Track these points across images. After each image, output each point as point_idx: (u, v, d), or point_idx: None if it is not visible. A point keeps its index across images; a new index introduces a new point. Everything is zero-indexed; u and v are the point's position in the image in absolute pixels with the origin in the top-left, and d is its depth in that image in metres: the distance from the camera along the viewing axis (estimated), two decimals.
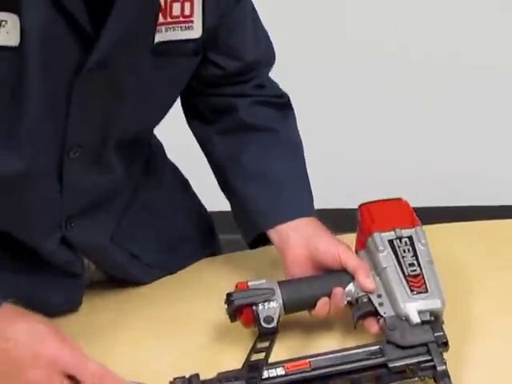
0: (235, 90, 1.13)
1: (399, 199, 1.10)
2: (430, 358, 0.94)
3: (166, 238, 1.18)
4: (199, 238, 1.24)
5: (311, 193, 1.12)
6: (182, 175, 1.26)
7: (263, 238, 1.11)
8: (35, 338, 0.87)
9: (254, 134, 1.13)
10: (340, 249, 1.04)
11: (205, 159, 1.16)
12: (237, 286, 1.02)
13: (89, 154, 1.00)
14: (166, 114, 1.08)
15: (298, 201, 1.11)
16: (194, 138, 1.17)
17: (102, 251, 1.11)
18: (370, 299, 1.00)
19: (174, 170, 1.25)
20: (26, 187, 0.97)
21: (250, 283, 1.02)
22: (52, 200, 1.01)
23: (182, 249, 1.20)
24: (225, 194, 1.16)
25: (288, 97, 1.17)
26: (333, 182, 2.19)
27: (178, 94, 1.09)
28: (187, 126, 1.17)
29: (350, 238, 1.09)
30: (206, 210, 1.28)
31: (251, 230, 1.11)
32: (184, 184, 1.26)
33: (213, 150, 1.14)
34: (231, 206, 1.15)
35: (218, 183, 1.16)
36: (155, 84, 1.01)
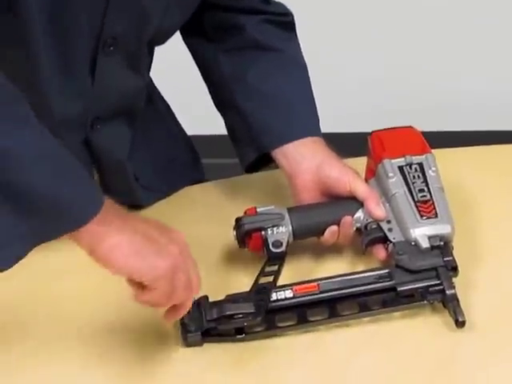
0: (244, 3, 1.12)
1: (410, 127, 1.09)
2: (439, 282, 0.94)
3: (158, 160, 1.19)
4: (187, 162, 1.25)
5: (318, 115, 1.12)
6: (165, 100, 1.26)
7: (261, 162, 1.11)
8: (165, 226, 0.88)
9: (261, 53, 1.12)
10: (350, 176, 1.03)
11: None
12: (246, 212, 1.02)
13: (123, 51, 1.00)
14: (187, 18, 1.08)
15: (306, 121, 1.10)
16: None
17: (117, 164, 1.10)
18: (378, 225, 1.00)
19: (159, 92, 1.25)
20: (61, 81, 0.97)
21: (258, 209, 1.02)
22: (81, 97, 1.00)
23: (172, 172, 1.20)
24: (225, 113, 1.14)
25: (292, 15, 1.16)
26: (337, 106, 2.17)
27: None
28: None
29: (357, 163, 1.08)
30: (185, 134, 1.29)
31: (255, 149, 1.10)
32: (169, 108, 1.26)
33: (217, 69, 1.13)
34: (231, 127, 1.14)
35: (218, 104, 1.15)
36: None
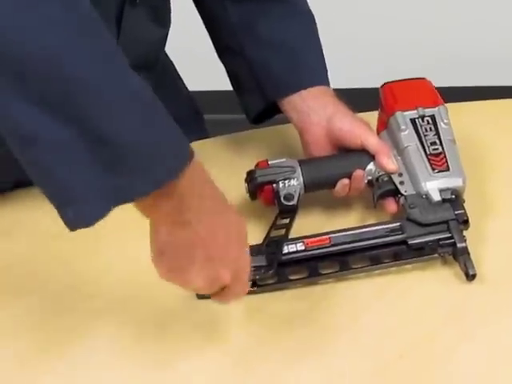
0: None
1: (422, 79, 1.09)
2: (449, 235, 0.94)
3: None
4: (190, 119, 1.24)
5: (326, 66, 1.11)
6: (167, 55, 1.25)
7: (267, 114, 1.11)
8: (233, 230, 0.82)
9: (270, 2, 1.10)
10: (362, 129, 1.03)
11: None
12: (257, 164, 1.02)
13: (148, 3, 1.00)
14: None
15: (314, 70, 1.09)
16: None
17: None
18: (390, 178, 1.00)
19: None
20: None
21: (270, 161, 1.02)
22: None
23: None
24: (231, 63, 1.13)
25: None
26: (347, 61, 2.16)
27: None
28: None
29: (369, 117, 1.07)
30: (187, 90, 1.28)
31: (262, 99, 1.10)
32: (172, 64, 1.25)
33: (224, 18, 1.11)
34: (236, 77, 1.13)
35: (222, 53, 1.14)
36: None
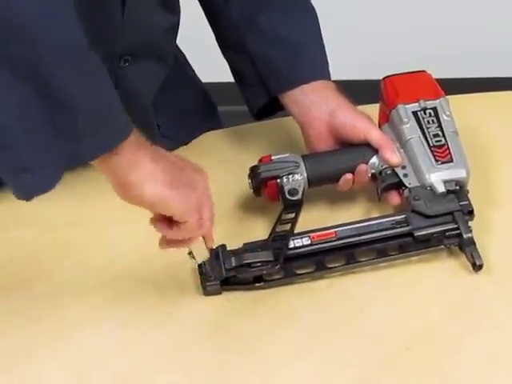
0: None
1: (423, 72, 1.09)
2: (455, 226, 0.95)
3: (176, 109, 1.18)
4: (204, 111, 1.24)
5: (327, 60, 1.11)
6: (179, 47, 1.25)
7: (271, 109, 1.11)
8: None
9: None
10: (364, 123, 1.03)
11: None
12: (260, 160, 1.02)
13: None
14: None
15: (315, 64, 1.09)
16: None
17: (142, 112, 1.10)
18: (394, 171, 1.00)
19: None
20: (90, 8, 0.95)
21: (273, 156, 1.02)
22: (113, 27, 1.00)
23: (190, 122, 1.20)
24: (233, 57, 1.13)
25: None
26: (348, 53, 2.15)
27: None
28: None
29: (370, 109, 1.08)
30: (201, 82, 1.28)
31: (265, 93, 1.10)
32: (184, 56, 1.25)
33: (226, 12, 1.11)
34: (239, 72, 1.13)
35: (225, 48, 1.14)
36: None
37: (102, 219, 0.81)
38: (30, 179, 0.77)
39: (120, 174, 0.81)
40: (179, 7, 1.10)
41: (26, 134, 0.75)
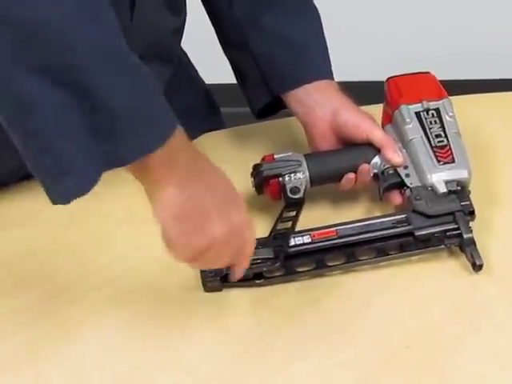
0: None
1: (427, 73, 1.09)
2: (456, 226, 0.95)
3: (178, 109, 1.18)
4: (206, 112, 1.25)
5: (330, 60, 1.11)
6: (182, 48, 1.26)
7: (272, 109, 1.11)
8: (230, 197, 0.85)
9: None
10: (367, 123, 1.03)
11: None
12: (263, 159, 1.02)
13: None
14: None
15: (318, 64, 1.09)
16: None
17: None
18: (396, 171, 1.00)
19: None
20: None
21: (276, 155, 1.02)
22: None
23: (192, 122, 1.20)
24: (236, 57, 1.14)
25: None
26: (350, 54, 2.15)
27: None
28: None
29: (373, 110, 1.08)
30: (204, 83, 1.28)
31: (267, 93, 1.10)
32: (187, 56, 1.26)
33: (230, 11, 1.11)
34: (241, 71, 1.13)
35: (227, 47, 1.14)
36: None
37: (103, 219, 0.81)
38: (70, 183, 0.76)
39: (145, 185, 0.80)
40: (185, 9, 1.11)
41: (66, 138, 0.74)
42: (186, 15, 1.11)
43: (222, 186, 0.84)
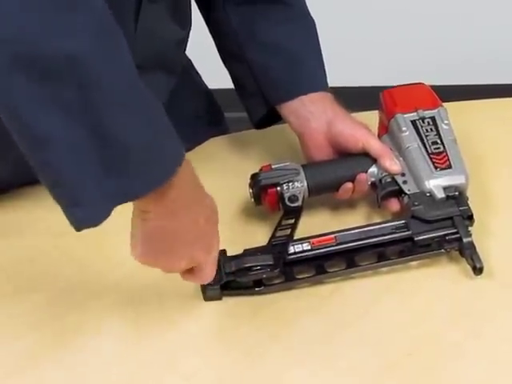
0: None
1: (420, 83, 1.10)
2: (455, 230, 0.95)
3: (181, 115, 1.19)
4: (210, 116, 1.25)
5: (325, 70, 1.12)
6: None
7: (270, 118, 1.11)
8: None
9: (272, 6, 1.11)
10: (363, 133, 1.04)
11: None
12: (261, 169, 1.02)
13: (167, 1, 1.00)
14: None
15: (314, 75, 1.10)
16: None
17: None
18: (393, 179, 1.01)
19: None
20: None
21: (273, 165, 1.02)
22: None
23: (196, 127, 1.20)
24: (233, 67, 1.14)
25: None
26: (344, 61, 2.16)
27: None
28: None
29: (367, 117, 1.08)
30: (207, 88, 1.29)
31: (264, 103, 1.10)
32: (191, 62, 1.26)
33: (225, 22, 1.12)
34: (239, 81, 1.14)
35: (225, 57, 1.15)
36: None
37: (102, 226, 0.80)
38: (80, 214, 0.76)
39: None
40: (191, 20, 1.11)
41: (77, 171, 0.74)
42: (191, 25, 1.11)
43: (202, 221, 0.84)
